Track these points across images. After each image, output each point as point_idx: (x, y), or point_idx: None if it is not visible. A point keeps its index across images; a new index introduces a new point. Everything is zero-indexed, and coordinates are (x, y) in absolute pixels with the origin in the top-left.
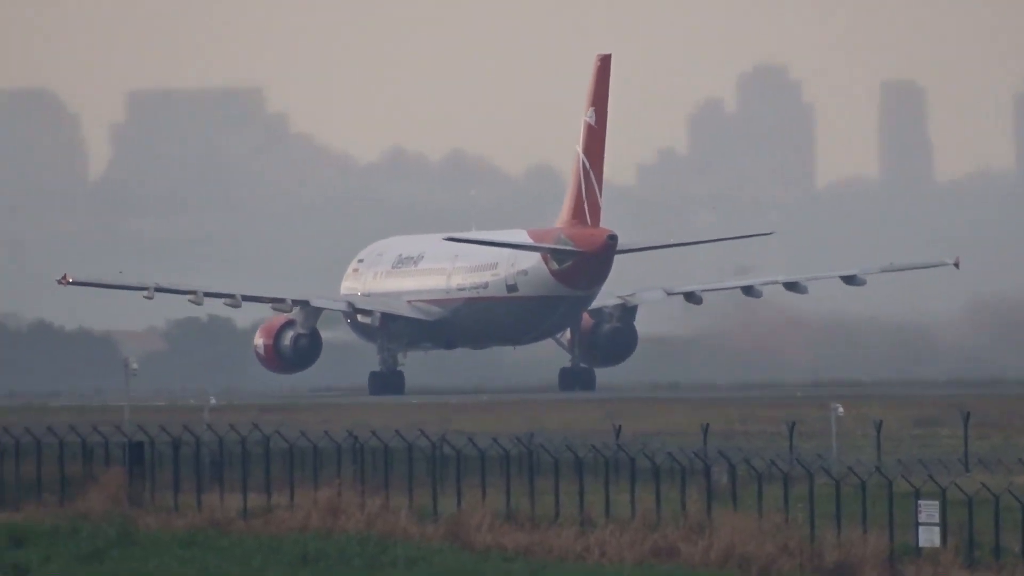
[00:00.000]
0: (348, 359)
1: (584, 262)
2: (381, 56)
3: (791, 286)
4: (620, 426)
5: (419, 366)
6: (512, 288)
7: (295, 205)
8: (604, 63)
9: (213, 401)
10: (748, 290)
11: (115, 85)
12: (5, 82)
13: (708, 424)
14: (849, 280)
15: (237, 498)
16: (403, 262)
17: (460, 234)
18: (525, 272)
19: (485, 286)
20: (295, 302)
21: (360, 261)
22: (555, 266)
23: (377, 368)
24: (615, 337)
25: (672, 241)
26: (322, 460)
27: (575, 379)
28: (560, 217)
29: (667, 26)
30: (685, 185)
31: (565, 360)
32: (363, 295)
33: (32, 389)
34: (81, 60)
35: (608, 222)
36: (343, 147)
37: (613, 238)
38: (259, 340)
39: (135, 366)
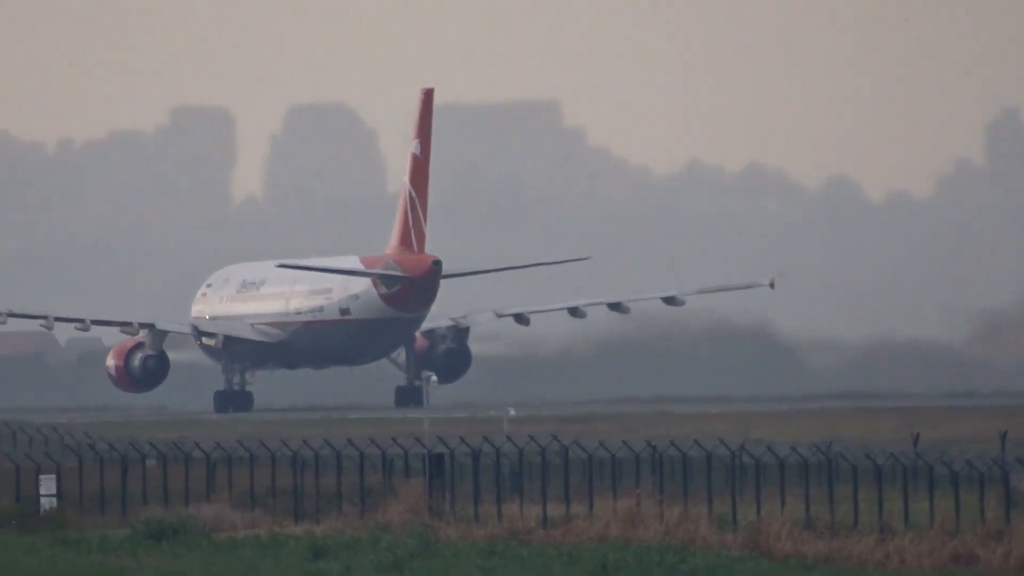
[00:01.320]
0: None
1: (411, 286)
2: (678, 68)
3: (614, 306)
4: (918, 434)
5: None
6: (345, 311)
7: (590, 218)
8: (428, 97)
9: (512, 412)
10: (573, 311)
11: (411, 99)
12: (305, 97)
13: (1006, 431)
14: (669, 301)
15: (536, 508)
16: (247, 286)
17: (292, 261)
18: (356, 296)
19: (320, 310)
20: (142, 325)
21: (208, 286)
22: (384, 290)
23: (222, 388)
24: (450, 357)
25: (497, 266)
26: (621, 470)
27: (409, 396)
28: (389, 243)
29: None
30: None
31: (400, 379)
32: (210, 318)
33: (326, 403)
34: (378, 75)
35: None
36: (640, 159)
37: (438, 263)
38: (110, 361)
39: (434, 377)
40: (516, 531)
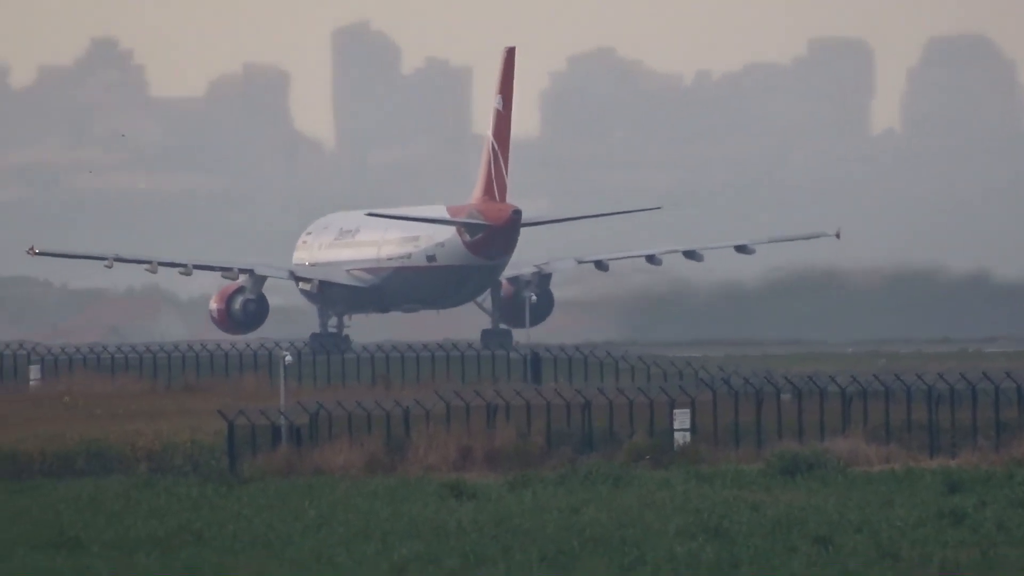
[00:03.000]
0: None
1: (492, 234)
2: None
3: (689, 254)
4: None
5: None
6: (431, 258)
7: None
8: (509, 55)
9: None
10: (650, 258)
11: None
12: (945, 29)
13: None
14: (740, 249)
15: None
16: (343, 234)
17: (381, 210)
18: (442, 244)
19: (408, 256)
20: (242, 270)
21: (308, 234)
22: (467, 237)
23: (317, 330)
24: (536, 301)
25: (577, 215)
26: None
27: (495, 339)
28: (472, 194)
29: None
30: None
31: (486, 322)
32: (310, 264)
33: (968, 336)
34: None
35: None
36: None
37: (518, 212)
38: (213, 305)
39: (534, 297)
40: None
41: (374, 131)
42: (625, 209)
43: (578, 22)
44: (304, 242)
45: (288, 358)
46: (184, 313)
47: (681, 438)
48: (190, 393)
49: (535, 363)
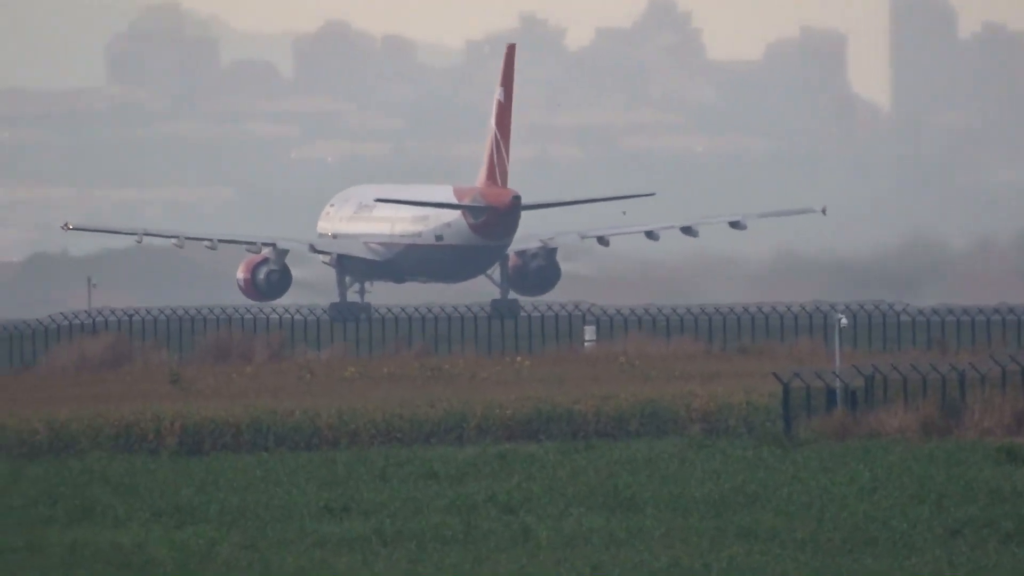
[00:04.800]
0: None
1: (495, 216)
2: None
3: (685, 230)
4: None
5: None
6: (439, 237)
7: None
8: (510, 51)
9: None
10: (649, 234)
11: None
12: None
13: None
14: (734, 224)
15: None
16: (362, 208)
17: (389, 196)
18: (449, 224)
19: (419, 235)
20: (264, 244)
21: (332, 205)
22: (472, 220)
23: (336, 300)
24: (541, 272)
25: (569, 200)
26: None
27: (503, 308)
28: (478, 179)
29: None
30: None
31: (495, 292)
32: (332, 235)
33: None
34: None
35: None
36: None
37: (518, 197)
38: (240, 274)
39: (844, 320)
40: None
41: (931, 95)
42: (620, 195)
43: None
44: (327, 213)
45: (843, 321)
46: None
47: None
48: (744, 355)
49: None
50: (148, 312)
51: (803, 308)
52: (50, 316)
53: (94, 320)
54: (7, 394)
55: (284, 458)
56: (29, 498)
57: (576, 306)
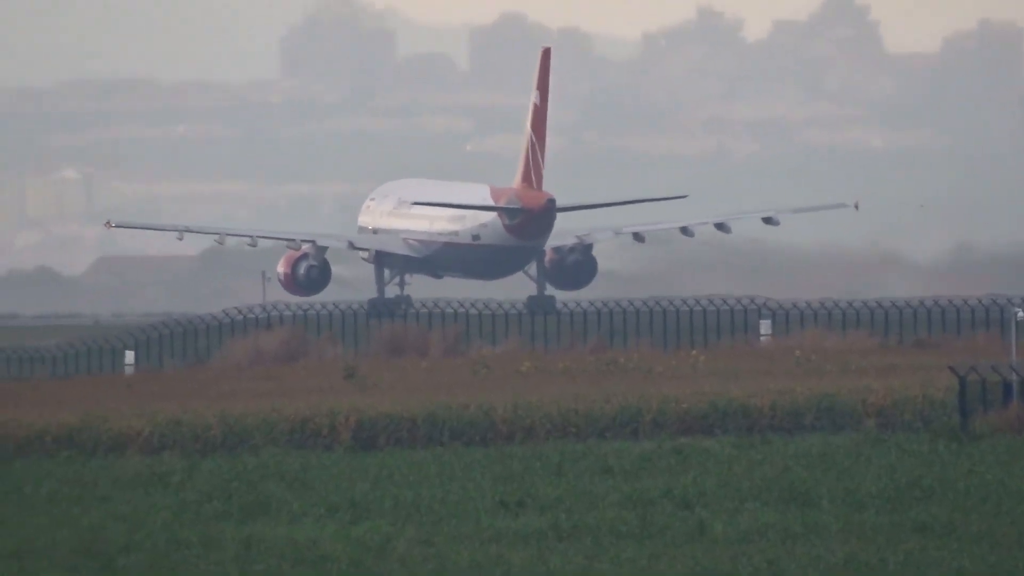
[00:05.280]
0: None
1: (530, 218)
2: None
3: (719, 226)
4: None
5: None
6: (476, 237)
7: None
8: (546, 55)
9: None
10: (684, 230)
11: None
12: None
13: None
14: (767, 220)
15: None
16: (402, 203)
17: (425, 199)
18: (485, 225)
19: (456, 234)
20: (304, 240)
21: (372, 200)
22: (507, 221)
23: (375, 295)
24: (578, 268)
25: (603, 202)
26: None
27: (539, 305)
28: (514, 180)
29: None
30: None
31: (532, 289)
32: (372, 229)
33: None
34: None
35: None
36: None
37: (552, 200)
38: (280, 268)
39: (1021, 313)
40: None
41: None
42: (653, 197)
43: None
44: (368, 207)
45: (1020, 314)
46: None
47: None
48: (920, 349)
49: None
50: (323, 306)
51: (979, 302)
52: (224, 311)
53: (268, 315)
54: (182, 389)
55: (459, 453)
56: (204, 493)
57: (751, 300)
